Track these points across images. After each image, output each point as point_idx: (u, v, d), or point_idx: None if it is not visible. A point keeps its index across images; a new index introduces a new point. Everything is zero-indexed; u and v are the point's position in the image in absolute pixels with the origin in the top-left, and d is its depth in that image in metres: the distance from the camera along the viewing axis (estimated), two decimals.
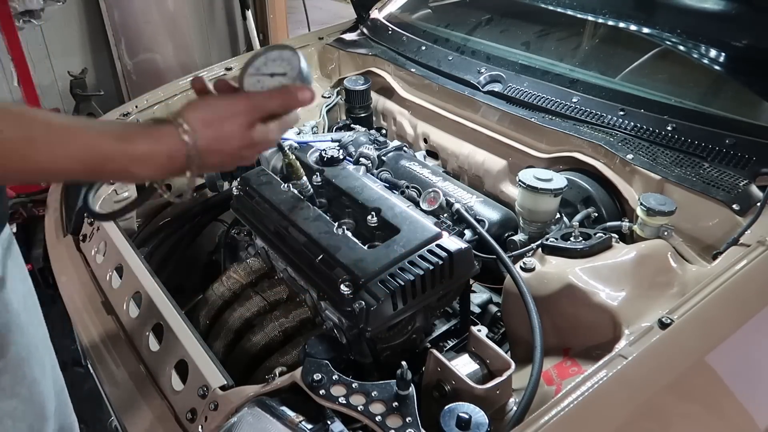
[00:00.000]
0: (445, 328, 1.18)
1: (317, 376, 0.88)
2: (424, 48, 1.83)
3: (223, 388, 0.98)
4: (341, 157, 1.34)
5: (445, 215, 1.24)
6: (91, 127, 0.62)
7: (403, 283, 0.98)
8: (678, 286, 1.04)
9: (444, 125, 1.71)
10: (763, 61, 1.35)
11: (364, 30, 2.05)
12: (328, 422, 0.84)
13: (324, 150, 1.35)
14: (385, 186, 1.30)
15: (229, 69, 1.92)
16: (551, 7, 1.70)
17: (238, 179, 1.29)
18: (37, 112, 0.60)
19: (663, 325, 0.92)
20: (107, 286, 1.31)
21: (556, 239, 1.14)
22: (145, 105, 1.77)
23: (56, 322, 0.94)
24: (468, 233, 1.22)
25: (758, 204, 1.11)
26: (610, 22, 1.61)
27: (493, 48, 1.76)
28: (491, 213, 1.31)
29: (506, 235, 1.30)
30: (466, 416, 0.81)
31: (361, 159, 1.47)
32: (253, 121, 0.73)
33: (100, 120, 0.66)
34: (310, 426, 0.85)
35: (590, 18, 1.69)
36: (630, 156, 1.29)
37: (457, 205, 1.25)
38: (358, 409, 0.83)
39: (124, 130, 0.65)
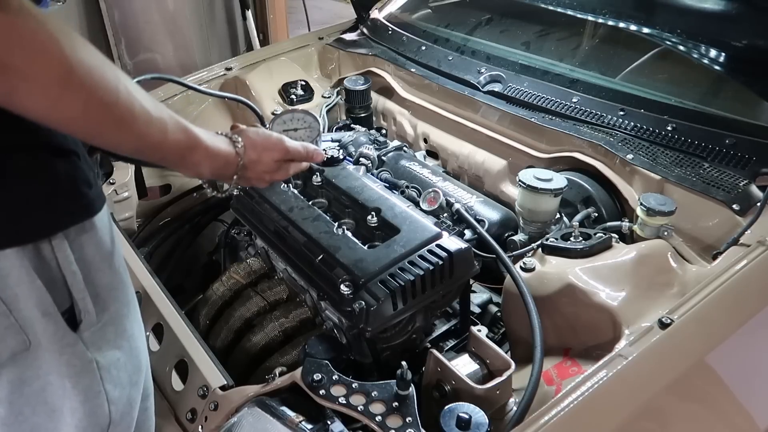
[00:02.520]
0: (445, 328, 1.18)
1: (317, 376, 0.88)
2: (424, 48, 1.83)
3: (223, 388, 0.98)
4: (341, 157, 1.34)
5: (445, 215, 1.24)
6: (192, 125, 0.81)
7: (403, 283, 0.98)
8: (678, 286, 1.04)
9: (444, 125, 1.71)
10: (763, 61, 1.35)
11: (364, 30, 2.05)
12: (328, 422, 0.84)
13: (324, 150, 1.35)
14: (385, 186, 1.30)
15: (229, 69, 1.92)
16: (551, 7, 1.70)
17: None
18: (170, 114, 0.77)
19: (663, 325, 0.92)
20: None
21: (556, 239, 1.14)
22: None
23: None
24: (468, 233, 1.21)
25: (758, 204, 1.11)
26: (610, 22, 1.61)
27: (493, 48, 1.76)
28: (491, 213, 1.32)
29: (506, 235, 1.30)
30: (466, 416, 0.81)
31: (361, 159, 1.47)
32: (281, 159, 0.95)
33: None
34: (310, 426, 0.85)
35: (590, 18, 1.69)
36: (630, 156, 1.29)
37: (457, 205, 1.25)
38: (358, 409, 0.83)
39: (207, 134, 0.84)
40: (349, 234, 1.09)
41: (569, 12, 1.66)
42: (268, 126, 1.12)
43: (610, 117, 1.39)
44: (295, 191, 1.21)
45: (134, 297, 0.92)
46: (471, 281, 1.18)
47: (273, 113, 1.81)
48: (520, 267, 1.10)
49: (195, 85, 1.69)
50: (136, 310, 0.92)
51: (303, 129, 1.16)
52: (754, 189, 1.15)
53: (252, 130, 0.94)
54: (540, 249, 1.15)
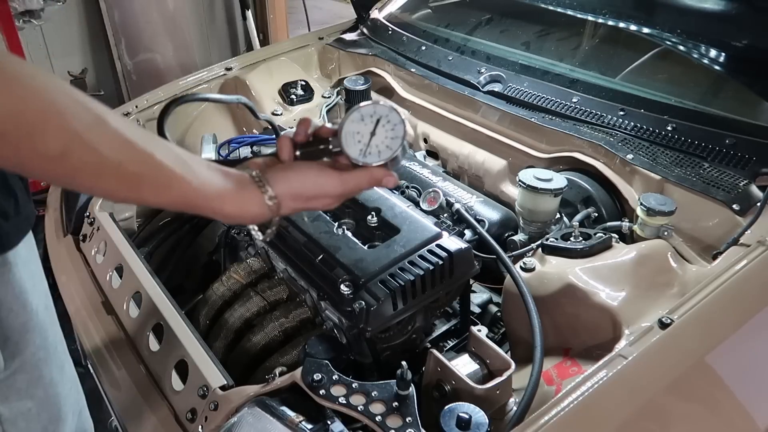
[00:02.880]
0: (445, 328, 1.18)
1: (317, 376, 0.88)
2: (424, 48, 1.83)
3: (223, 388, 0.98)
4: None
5: (445, 215, 1.24)
6: (193, 177, 0.65)
7: (403, 283, 0.98)
8: (678, 286, 1.04)
9: (444, 125, 1.71)
10: (763, 61, 1.35)
11: (364, 30, 2.05)
12: (328, 422, 0.84)
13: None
14: None
15: (229, 69, 1.92)
16: (551, 7, 1.71)
17: None
18: (156, 147, 0.63)
19: (663, 325, 0.92)
20: (107, 286, 1.31)
21: (556, 239, 1.14)
22: (145, 105, 1.77)
23: None
24: (468, 233, 1.21)
25: (758, 204, 1.11)
26: (610, 22, 1.61)
27: (493, 48, 1.76)
28: (491, 213, 1.32)
29: (506, 235, 1.30)
30: (466, 416, 0.81)
31: None
32: (338, 198, 0.76)
33: (206, 164, 0.69)
34: (310, 426, 0.85)
35: (590, 18, 1.69)
36: (630, 156, 1.29)
37: (457, 205, 1.25)
38: (358, 409, 0.83)
39: (219, 190, 0.67)
40: (349, 234, 1.09)
41: (569, 12, 1.66)
42: (337, 125, 0.76)
43: (610, 117, 1.39)
44: None
45: (58, 338, 0.84)
46: (471, 281, 1.18)
47: (273, 113, 1.81)
48: (520, 267, 1.10)
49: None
50: (59, 352, 0.84)
51: (384, 130, 0.77)
52: (754, 189, 1.15)
53: (294, 173, 0.73)
54: (540, 249, 1.15)
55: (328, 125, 0.77)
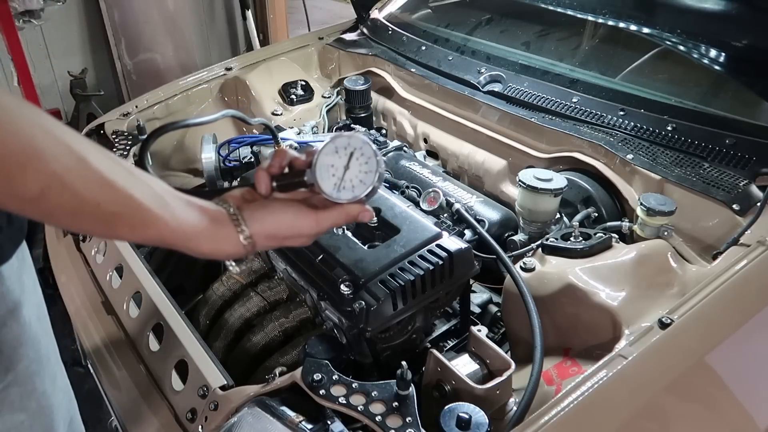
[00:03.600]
0: (445, 328, 1.18)
1: (317, 376, 0.88)
2: (424, 48, 1.83)
3: (223, 388, 0.98)
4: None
5: (445, 215, 1.24)
6: (171, 217, 0.65)
7: (403, 283, 0.98)
8: (678, 286, 1.04)
9: (444, 125, 1.71)
10: (763, 61, 1.35)
11: (364, 30, 2.05)
12: (328, 422, 0.84)
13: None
14: (385, 186, 1.30)
15: (229, 69, 1.92)
16: (551, 7, 1.70)
17: (238, 179, 1.29)
18: (135, 185, 0.63)
19: (663, 325, 0.92)
20: (107, 286, 1.31)
21: (556, 239, 1.14)
22: (145, 105, 1.77)
23: (56, 322, 0.94)
24: (468, 233, 1.21)
25: (758, 204, 1.11)
26: (610, 22, 1.61)
27: (493, 48, 1.76)
28: (491, 213, 1.32)
29: (506, 235, 1.30)
30: (466, 416, 0.81)
31: None
32: (313, 236, 0.77)
33: (184, 200, 0.68)
34: (310, 426, 0.85)
35: (590, 18, 1.69)
36: (630, 156, 1.29)
37: (457, 205, 1.25)
38: (358, 409, 0.83)
39: (196, 229, 0.68)
40: (349, 234, 1.09)
41: (569, 12, 1.66)
42: (313, 162, 0.75)
43: (610, 117, 1.39)
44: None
45: (51, 347, 0.84)
46: (471, 281, 1.18)
47: (273, 113, 1.81)
48: (520, 267, 1.10)
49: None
50: (51, 363, 0.84)
51: (358, 163, 0.76)
52: (754, 189, 1.15)
53: (269, 213, 0.73)
54: (540, 249, 1.15)
55: (302, 157, 0.77)
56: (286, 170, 0.77)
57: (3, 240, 0.70)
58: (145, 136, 1.04)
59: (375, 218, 1.12)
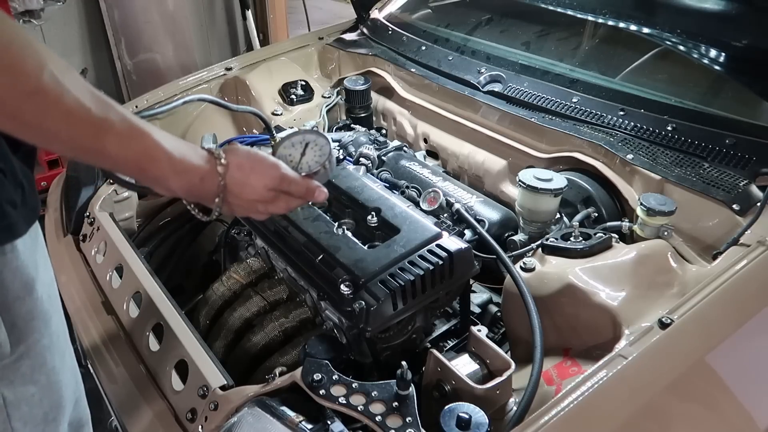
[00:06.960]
0: (445, 328, 1.18)
1: (317, 376, 0.88)
2: (424, 48, 1.83)
3: (223, 388, 0.98)
4: (341, 157, 1.33)
5: (445, 215, 1.24)
6: (154, 132, 0.71)
7: (403, 283, 0.98)
8: (678, 286, 1.04)
9: (444, 125, 1.71)
10: (763, 61, 1.35)
11: (364, 30, 2.05)
12: (328, 422, 0.84)
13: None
14: (385, 186, 1.30)
15: (229, 69, 1.92)
16: (551, 7, 1.70)
17: None
18: (117, 105, 0.68)
19: (663, 325, 0.92)
20: (107, 286, 1.31)
21: (556, 239, 1.14)
22: (145, 105, 1.77)
23: None
24: (468, 233, 1.21)
25: (758, 204, 1.11)
26: (610, 23, 1.61)
27: (493, 48, 1.76)
28: (491, 213, 1.31)
29: (506, 235, 1.30)
30: (466, 416, 0.81)
31: (361, 159, 1.47)
32: (275, 188, 0.83)
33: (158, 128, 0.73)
34: (310, 426, 0.85)
35: (590, 18, 1.69)
36: (630, 156, 1.29)
37: (457, 205, 1.25)
38: (358, 409, 0.83)
39: (176, 143, 0.74)
40: (349, 234, 1.09)
41: (569, 12, 1.66)
42: (273, 145, 0.94)
43: (610, 117, 1.39)
44: None
45: (61, 326, 0.86)
46: (471, 281, 1.18)
47: (273, 113, 1.81)
48: (520, 267, 1.10)
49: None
50: (61, 341, 0.86)
51: (312, 151, 0.94)
52: (754, 189, 1.15)
53: (243, 149, 0.82)
54: (540, 249, 1.15)
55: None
56: None
57: (18, 216, 0.72)
58: None
59: (375, 219, 1.12)
